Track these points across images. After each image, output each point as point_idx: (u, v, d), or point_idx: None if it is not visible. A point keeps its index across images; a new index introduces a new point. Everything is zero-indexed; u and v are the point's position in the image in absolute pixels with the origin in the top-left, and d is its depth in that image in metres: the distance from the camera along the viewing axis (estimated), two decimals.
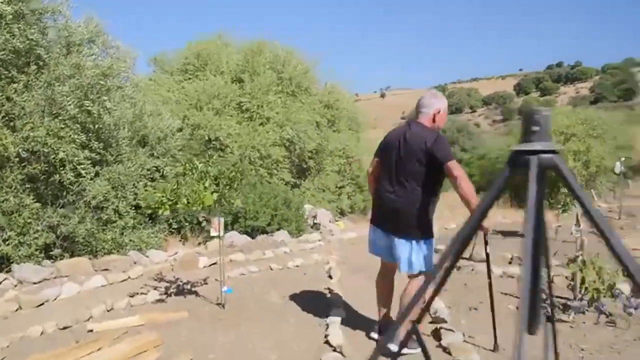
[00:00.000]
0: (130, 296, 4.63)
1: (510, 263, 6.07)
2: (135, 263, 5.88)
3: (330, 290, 4.83)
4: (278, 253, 6.60)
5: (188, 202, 3.74)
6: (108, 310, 4.32)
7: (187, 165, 3.98)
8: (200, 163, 4.09)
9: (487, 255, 3.44)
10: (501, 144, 22.33)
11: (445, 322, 3.81)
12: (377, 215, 3.42)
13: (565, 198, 7.64)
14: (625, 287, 4.33)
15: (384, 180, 3.29)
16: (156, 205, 3.81)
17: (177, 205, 3.81)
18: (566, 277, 5.18)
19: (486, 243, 3.31)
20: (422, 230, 3.17)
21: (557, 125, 16.54)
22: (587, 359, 3.15)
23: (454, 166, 3.00)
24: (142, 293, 4.73)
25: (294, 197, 8.60)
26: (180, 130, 8.24)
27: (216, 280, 5.23)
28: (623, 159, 8.98)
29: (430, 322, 3.91)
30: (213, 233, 4.23)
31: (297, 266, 5.95)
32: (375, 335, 3.59)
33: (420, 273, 3.25)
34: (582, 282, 4.04)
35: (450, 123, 48.04)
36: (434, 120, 3.23)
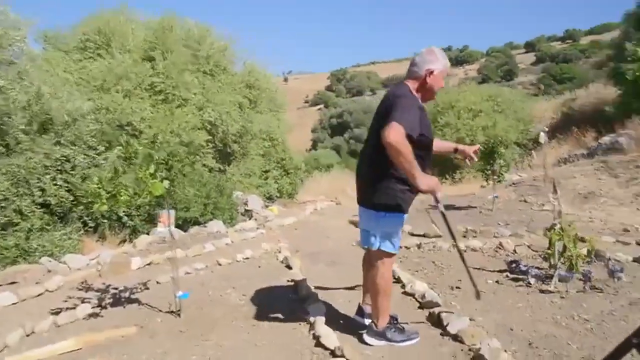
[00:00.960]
0: (54, 313, 3.74)
1: (465, 237, 5.96)
2: (50, 272, 4.89)
3: (295, 282, 4.31)
4: (220, 246, 5.91)
5: (135, 194, 2.99)
6: (28, 335, 3.43)
7: (127, 148, 3.20)
8: (139, 146, 3.34)
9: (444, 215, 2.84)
10: None
11: (439, 305, 3.48)
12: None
13: (500, 169, 7.78)
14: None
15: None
16: (90, 200, 3.02)
17: (119, 198, 3.04)
18: (529, 247, 5.18)
19: (437, 201, 2.72)
20: (386, 201, 2.75)
21: (465, 102, 17.30)
22: (597, 330, 2.98)
23: (389, 128, 2.42)
24: (68, 308, 3.85)
25: (225, 184, 7.86)
26: (95, 112, 7.08)
27: (158, 283, 4.48)
28: (547, 129, 9.41)
29: (420, 308, 3.57)
30: (161, 228, 3.50)
31: (247, 258, 5.33)
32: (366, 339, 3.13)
33: (381, 251, 2.84)
34: (563, 250, 3.93)
35: (355, 105, 49.14)
36: (424, 82, 2.79)
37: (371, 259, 2.96)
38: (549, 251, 4.07)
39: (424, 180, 2.51)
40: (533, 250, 5.01)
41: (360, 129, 42.53)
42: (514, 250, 5.07)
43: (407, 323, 3.15)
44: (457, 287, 4.00)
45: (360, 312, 3.28)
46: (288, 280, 4.41)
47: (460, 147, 3.24)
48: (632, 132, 12.06)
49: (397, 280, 4.16)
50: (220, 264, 5.08)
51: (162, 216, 3.44)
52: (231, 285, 4.35)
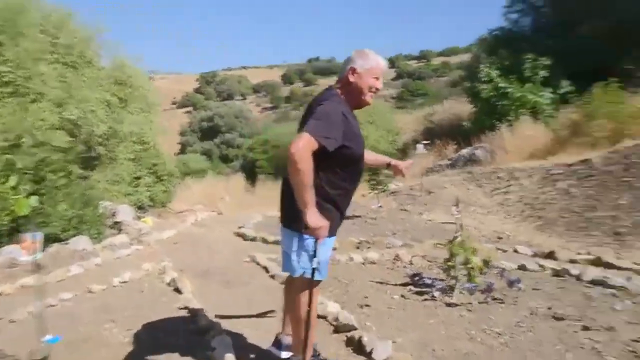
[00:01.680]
0: None
1: (358, 248, 5.91)
2: None
3: (191, 310, 3.79)
4: (89, 267, 5.07)
5: None
6: None
7: None
8: None
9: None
10: (281, 130, 23.07)
11: (355, 328, 3.27)
12: None
13: (385, 179, 7.97)
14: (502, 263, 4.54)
15: None
16: None
17: None
18: (423, 257, 5.27)
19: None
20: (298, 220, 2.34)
21: None
22: (511, 344, 3.02)
23: (297, 139, 2.16)
24: None
25: (92, 192, 6.86)
26: None
27: (12, 322, 3.61)
28: (426, 141, 9.95)
29: (336, 331, 3.33)
30: (25, 258, 2.76)
31: (125, 282, 4.61)
32: None
33: (304, 278, 2.46)
34: (466, 262, 4.00)
35: (227, 109, 48.06)
36: (348, 83, 2.49)
37: (293, 286, 2.59)
38: (450, 263, 4.13)
39: (315, 216, 2.23)
40: (428, 261, 5.11)
41: (232, 134, 41.65)
42: (410, 262, 5.12)
43: (323, 358, 2.86)
44: (366, 305, 3.84)
45: (277, 343, 2.92)
46: (180, 308, 3.86)
47: (394, 162, 3.03)
48: (487, 145, 13.44)
49: None
50: (92, 291, 4.31)
51: (24, 240, 2.70)
52: (110, 318, 3.66)
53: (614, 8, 15.14)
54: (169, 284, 4.52)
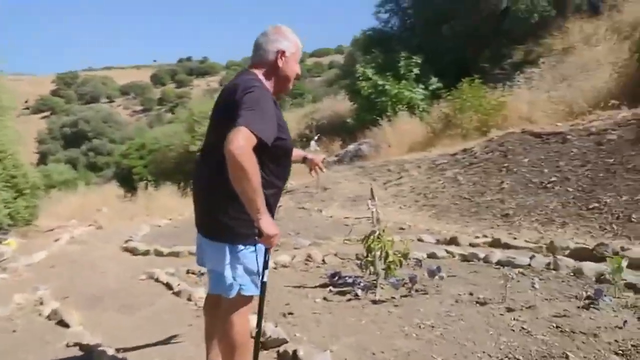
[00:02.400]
0: None
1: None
2: None
3: (81, 346, 3.16)
4: None
5: None
6: None
7: None
8: None
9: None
10: (157, 133, 21.69)
11: (286, 341, 2.97)
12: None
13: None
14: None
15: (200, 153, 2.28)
16: None
17: None
18: (336, 255, 5.12)
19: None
20: (245, 230, 2.03)
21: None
22: (447, 335, 2.96)
23: (236, 134, 1.82)
24: None
25: None
26: None
27: None
28: (317, 136, 9.87)
29: (264, 348, 2.99)
30: None
31: None
32: None
33: (239, 297, 2.13)
34: (386, 256, 3.92)
35: (93, 112, 44.03)
36: (276, 68, 2.20)
37: (223, 309, 2.19)
38: (369, 258, 4.02)
39: (270, 222, 1.94)
40: (341, 259, 4.97)
41: (101, 140, 38.27)
42: (323, 261, 4.94)
43: None
44: (289, 314, 3.56)
45: None
46: (70, 345, 3.21)
47: (309, 155, 2.81)
48: (371, 140, 13.92)
49: None
50: None
51: None
52: None
53: (469, 12, 16.64)
54: (49, 318, 3.78)
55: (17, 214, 9.14)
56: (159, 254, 5.89)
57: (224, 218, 2.06)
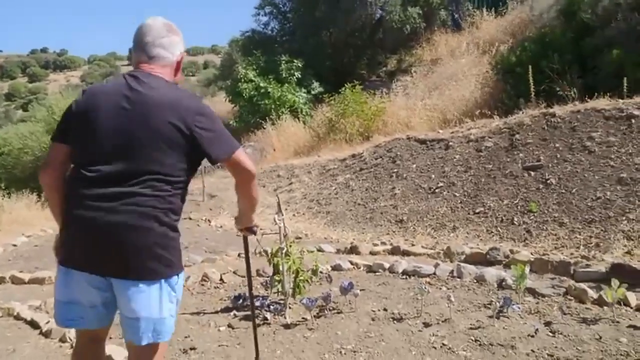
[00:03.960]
0: None
1: None
2: None
3: None
4: None
5: None
6: None
7: None
8: None
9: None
10: (9, 133, 18.89)
11: None
12: (76, 248, 1.78)
13: None
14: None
15: (88, 181, 1.74)
16: None
17: None
18: (235, 272, 4.71)
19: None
20: (178, 257, 1.84)
21: None
22: (372, 359, 2.78)
23: (244, 157, 1.89)
24: None
25: None
26: None
27: None
28: None
29: None
30: None
31: None
32: None
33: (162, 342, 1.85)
34: (296, 274, 3.64)
35: None
36: (178, 69, 2.00)
37: (148, 356, 1.83)
38: (277, 277, 3.72)
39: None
40: (241, 276, 4.58)
41: None
42: (222, 280, 4.51)
43: None
44: (191, 349, 3.10)
45: None
46: None
47: None
48: (255, 144, 13.58)
49: None
50: None
51: None
52: None
53: (345, 20, 17.16)
54: None
55: None
56: (17, 281, 4.92)
57: (164, 252, 1.77)
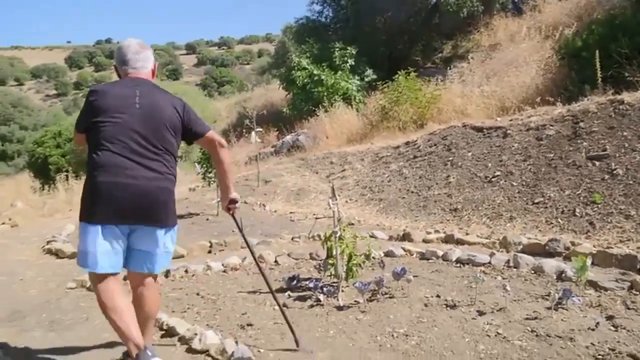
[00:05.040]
0: None
1: (210, 252, 5.20)
2: None
3: None
4: None
5: None
6: None
7: None
8: None
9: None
10: (75, 120, 19.99)
11: None
12: (106, 205, 2.34)
13: None
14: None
15: (114, 155, 2.38)
16: None
17: None
18: (289, 255, 4.83)
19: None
20: (175, 214, 2.60)
21: None
22: (424, 345, 2.78)
23: (215, 133, 2.73)
24: None
25: None
26: None
27: None
28: (259, 129, 9.44)
29: None
30: None
31: None
32: None
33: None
34: (349, 258, 3.70)
35: (1, 96, 39.99)
36: (154, 76, 2.75)
37: (149, 280, 2.57)
38: (331, 260, 3.79)
39: None
40: (294, 259, 4.71)
41: (9, 126, 34.90)
42: (276, 261, 4.65)
43: None
44: (248, 325, 3.24)
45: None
46: None
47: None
48: (308, 131, 13.69)
49: (170, 332, 3.10)
50: None
51: None
52: None
53: (400, 5, 16.84)
54: None
55: None
56: None
57: (172, 206, 2.53)
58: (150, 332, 2.65)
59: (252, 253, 3.09)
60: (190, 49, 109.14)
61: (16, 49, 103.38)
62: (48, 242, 5.94)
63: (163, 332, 3.15)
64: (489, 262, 4.04)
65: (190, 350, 2.87)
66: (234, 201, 2.80)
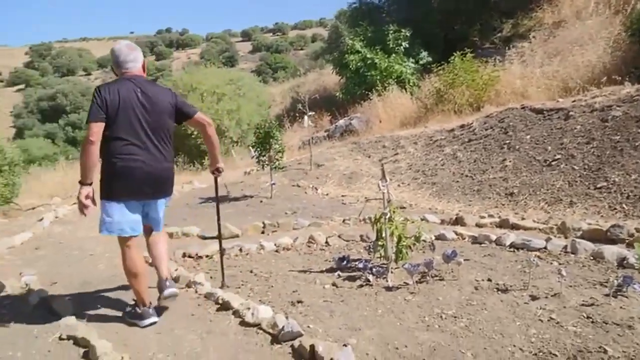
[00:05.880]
0: None
1: (263, 232, 5.36)
2: None
3: (75, 340, 2.91)
4: None
5: None
6: None
7: None
8: None
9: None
10: None
11: (301, 334, 2.75)
12: (127, 187, 2.99)
13: (275, 154, 7.43)
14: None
15: (129, 144, 2.96)
16: None
17: None
18: (339, 236, 4.90)
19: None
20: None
21: (208, 85, 16.61)
22: (473, 327, 2.77)
23: (202, 113, 3.32)
24: None
25: None
26: None
27: None
28: (312, 113, 9.54)
29: (276, 342, 2.77)
30: None
31: None
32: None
33: None
34: (399, 240, 3.72)
35: (71, 85, 42.59)
36: (144, 72, 3.22)
37: (160, 233, 3.37)
38: (381, 242, 3.82)
39: None
40: (345, 240, 4.77)
41: (79, 114, 37.08)
42: (327, 242, 4.73)
43: None
44: (298, 302, 3.34)
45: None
46: (62, 338, 2.94)
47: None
48: (361, 115, 13.63)
49: (225, 306, 3.26)
50: None
51: None
52: None
53: None
54: (37, 307, 3.50)
55: None
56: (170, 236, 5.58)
57: (172, 179, 3.27)
58: (166, 265, 3.33)
59: (218, 219, 3.92)
60: (246, 36, 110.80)
61: (84, 41, 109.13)
62: None
63: (218, 305, 3.32)
64: (545, 247, 3.92)
65: (243, 323, 3.01)
66: (218, 169, 3.48)
